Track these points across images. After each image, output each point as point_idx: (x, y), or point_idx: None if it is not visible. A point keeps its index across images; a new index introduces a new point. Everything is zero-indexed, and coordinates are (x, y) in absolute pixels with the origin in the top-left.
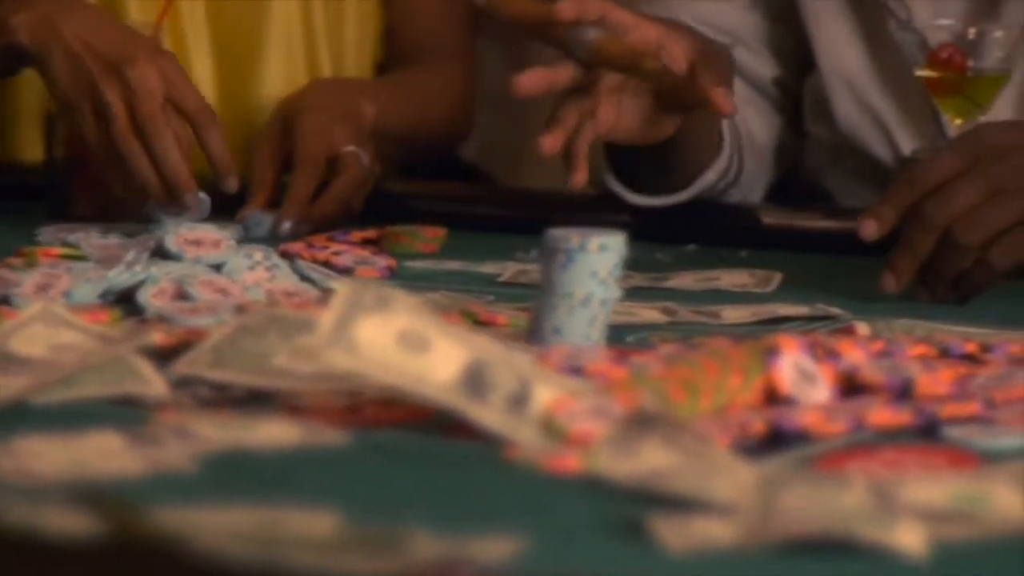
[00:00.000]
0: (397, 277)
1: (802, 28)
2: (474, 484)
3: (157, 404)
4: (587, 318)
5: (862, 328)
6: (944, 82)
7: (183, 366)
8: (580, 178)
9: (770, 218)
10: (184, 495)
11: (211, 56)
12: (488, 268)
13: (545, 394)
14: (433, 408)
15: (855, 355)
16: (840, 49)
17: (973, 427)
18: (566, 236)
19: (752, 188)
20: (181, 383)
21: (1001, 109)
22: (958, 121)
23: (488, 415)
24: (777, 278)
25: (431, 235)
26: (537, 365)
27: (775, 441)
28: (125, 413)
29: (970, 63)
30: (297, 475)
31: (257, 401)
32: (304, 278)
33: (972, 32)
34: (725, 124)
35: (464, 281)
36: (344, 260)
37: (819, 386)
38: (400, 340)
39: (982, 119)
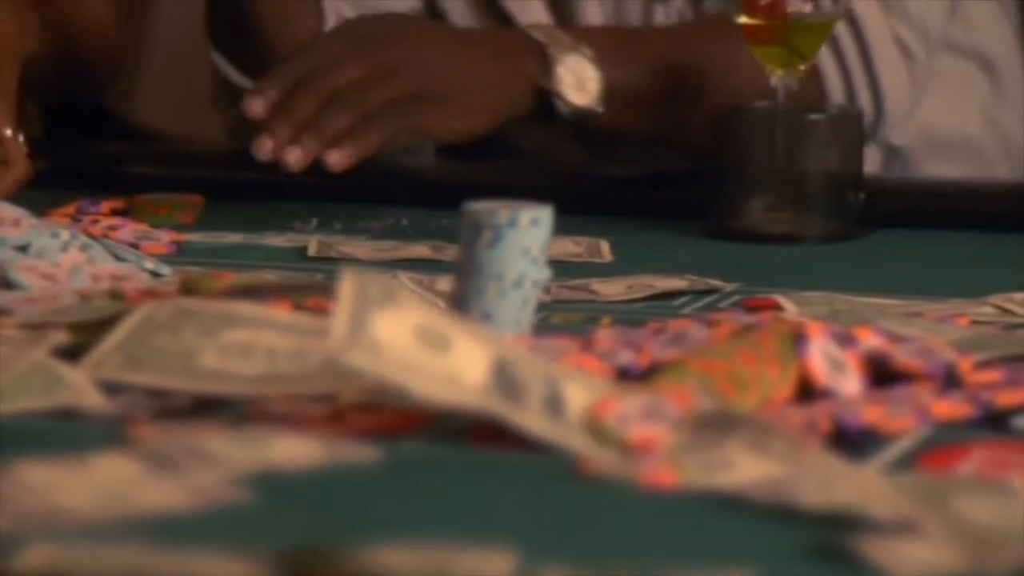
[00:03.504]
0: (183, 253)
1: None
2: (599, 508)
3: (110, 418)
4: (519, 301)
5: (787, 304)
6: (765, 31)
7: (88, 369)
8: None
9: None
10: (266, 533)
11: None
12: (275, 241)
13: (577, 394)
14: (424, 412)
15: (872, 339)
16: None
17: None
18: (493, 210)
19: None
20: (109, 390)
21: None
22: (779, 72)
23: (534, 422)
24: (606, 246)
25: (191, 204)
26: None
27: (840, 441)
28: (87, 431)
29: (791, 10)
30: (376, 502)
31: (213, 409)
32: (117, 258)
33: None
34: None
35: (266, 257)
36: (124, 235)
37: (849, 375)
38: (419, 337)
39: (802, 69)
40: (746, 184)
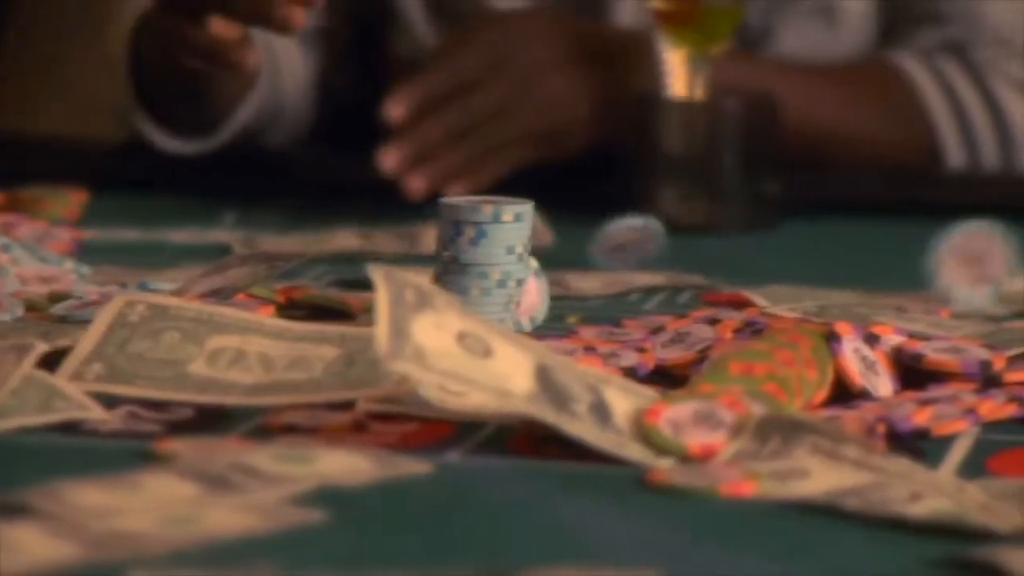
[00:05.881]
0: (85, 252)
1: None
2: (708, 522)
3: (120, 433)
4: (503, 300)
5: (759, 299)
6: (677, 14)
7: (67, 380)
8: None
9: None
10: (367, 557)
11: None
12: (180, 236)
13: (618, 401)
14: (448, 422)
15: (894, 337)
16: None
17: None
18: (475, 206)
19: (297, 127)
20: (104, 402)
21: None
22: (686, 54)
23: (589, 431)
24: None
25: (75, 199)
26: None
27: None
28: (107, 447)
29: None
30: (465, 520)
31: (222, 421)
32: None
33: None
34: (263, 57)
35: (178, 255)
36: (23, 232)
37: (882, 375)
38: (461, 344)
39: (715, 52)
40: (660, 174)
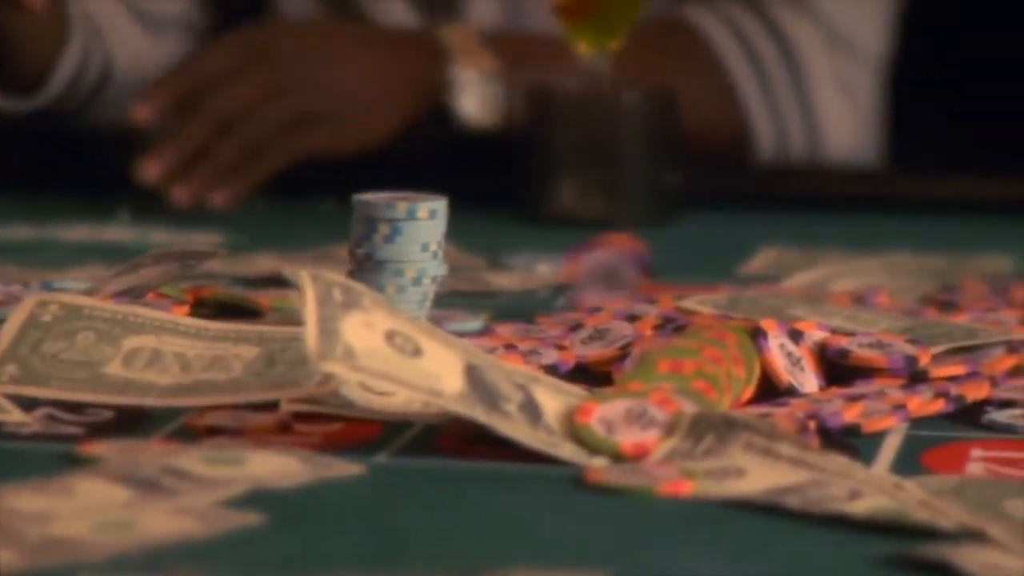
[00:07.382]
0: None
1: None
2: (650, 521)
3: (35, 434)
4: (418, 298)
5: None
6: (575, 7)
7: None
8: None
9: None
10: (311, 560)
11: None
12: (74, 234)
13: (549, 399)
14: (373, 422)
15: (816, 332)
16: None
17: (1017, 412)
18: (390, 203)
19: None
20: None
21: None
22: (586, 49)
23: (523, 431)
24: None
25: None
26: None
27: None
28: (30, 450)
29: None
30: (407, 521)
31: (143, 422)
32: None
33: None
34: (75, 19)
35: (76, 253)
36: None
37: (807, 372)
38: (391, 343)
39: (613, 46)
40: (559, 168)
